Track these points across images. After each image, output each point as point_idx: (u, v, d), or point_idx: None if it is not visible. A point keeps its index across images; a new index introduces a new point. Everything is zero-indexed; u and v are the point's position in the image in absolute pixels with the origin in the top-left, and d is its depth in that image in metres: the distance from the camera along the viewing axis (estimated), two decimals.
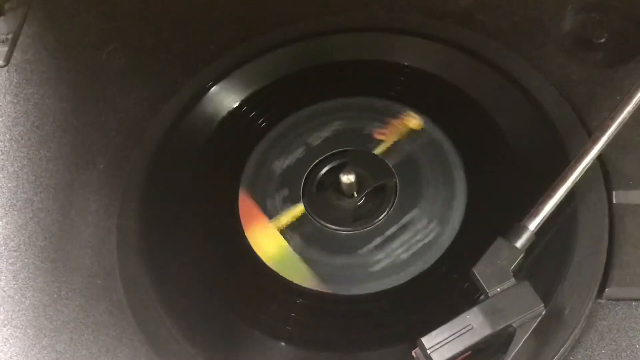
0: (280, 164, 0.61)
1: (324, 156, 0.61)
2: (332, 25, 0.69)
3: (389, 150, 0.60)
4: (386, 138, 0.61)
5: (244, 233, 0.58)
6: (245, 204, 0.60)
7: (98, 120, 0.66)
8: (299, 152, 0.62)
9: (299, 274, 0.55)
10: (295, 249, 0.57)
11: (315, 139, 0.62)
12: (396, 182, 0.58)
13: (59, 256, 0.59)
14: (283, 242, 0.57)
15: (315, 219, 0.58)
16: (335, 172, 0.59)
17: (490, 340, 0.46)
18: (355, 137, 0.62)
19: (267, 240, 0.58)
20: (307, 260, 0.56)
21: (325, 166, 0.61)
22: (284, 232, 0.58)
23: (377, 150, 0.61)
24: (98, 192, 0.62)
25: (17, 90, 0.69)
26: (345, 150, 0.61)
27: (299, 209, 0.59)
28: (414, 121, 0.61)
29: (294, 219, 0.58)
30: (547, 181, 0.52)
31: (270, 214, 0.59)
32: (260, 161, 0.62)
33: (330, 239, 0.57)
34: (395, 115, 0.62)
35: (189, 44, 0.70)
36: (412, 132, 0.61)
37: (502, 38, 0.66)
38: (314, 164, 0.61)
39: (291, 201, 0.59)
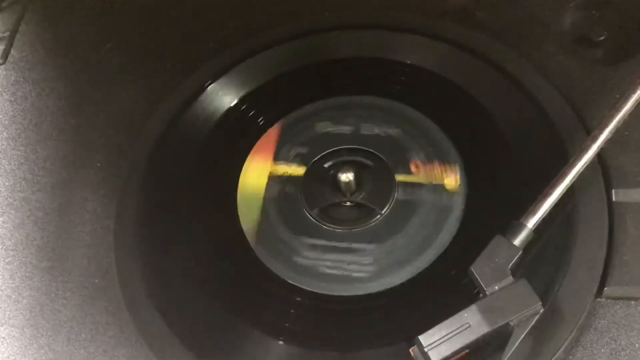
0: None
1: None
2: (331, 22, 0.69)
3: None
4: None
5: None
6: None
7: (95, 118, 0.66)
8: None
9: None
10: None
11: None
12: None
13: (56, 255, 0.59)
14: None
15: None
16: (335, 170, 0.59)
17: (487, 338, 0.46)
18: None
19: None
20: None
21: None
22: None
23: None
24: (95, 191, 0.62)
25: (14, 89, 0.69)
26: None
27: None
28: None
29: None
30: (546, 179, 0.51)
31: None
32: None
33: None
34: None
35: (187, 41, 0.70)
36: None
37: (502, 36, 0.66)
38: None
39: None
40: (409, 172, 0.59)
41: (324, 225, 0.57)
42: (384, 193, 0.58)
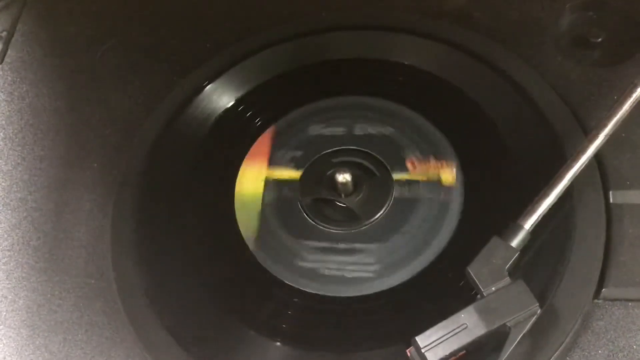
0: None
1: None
2: (328, 23, 0.69)
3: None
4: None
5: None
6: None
7: (92, 119, 0.66)
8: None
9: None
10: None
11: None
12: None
13: (52, 256, 0.58)
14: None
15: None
16: (333, 171, 0.58)
17: (484, 339, 0.46)
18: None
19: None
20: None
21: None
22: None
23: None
24: (92, 192, 0.61)
25: (11, 89, 0.69)
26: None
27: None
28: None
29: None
30: (543, 180, 0.51)
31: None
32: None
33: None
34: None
35: (184, 42, 0.70)
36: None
37: (499, 37, 0.65)
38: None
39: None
40: (406, 173, 0.59)
41: (322, 226, 0.57)
42: (380, 195, 0.58)
